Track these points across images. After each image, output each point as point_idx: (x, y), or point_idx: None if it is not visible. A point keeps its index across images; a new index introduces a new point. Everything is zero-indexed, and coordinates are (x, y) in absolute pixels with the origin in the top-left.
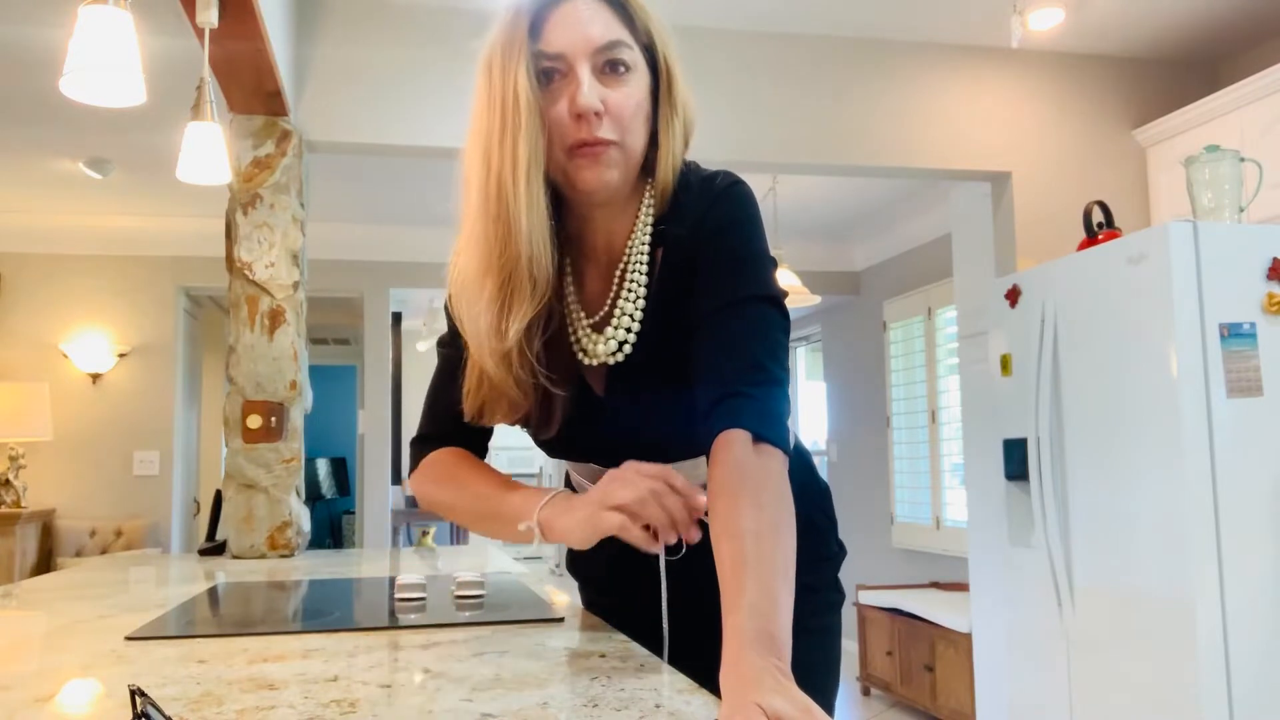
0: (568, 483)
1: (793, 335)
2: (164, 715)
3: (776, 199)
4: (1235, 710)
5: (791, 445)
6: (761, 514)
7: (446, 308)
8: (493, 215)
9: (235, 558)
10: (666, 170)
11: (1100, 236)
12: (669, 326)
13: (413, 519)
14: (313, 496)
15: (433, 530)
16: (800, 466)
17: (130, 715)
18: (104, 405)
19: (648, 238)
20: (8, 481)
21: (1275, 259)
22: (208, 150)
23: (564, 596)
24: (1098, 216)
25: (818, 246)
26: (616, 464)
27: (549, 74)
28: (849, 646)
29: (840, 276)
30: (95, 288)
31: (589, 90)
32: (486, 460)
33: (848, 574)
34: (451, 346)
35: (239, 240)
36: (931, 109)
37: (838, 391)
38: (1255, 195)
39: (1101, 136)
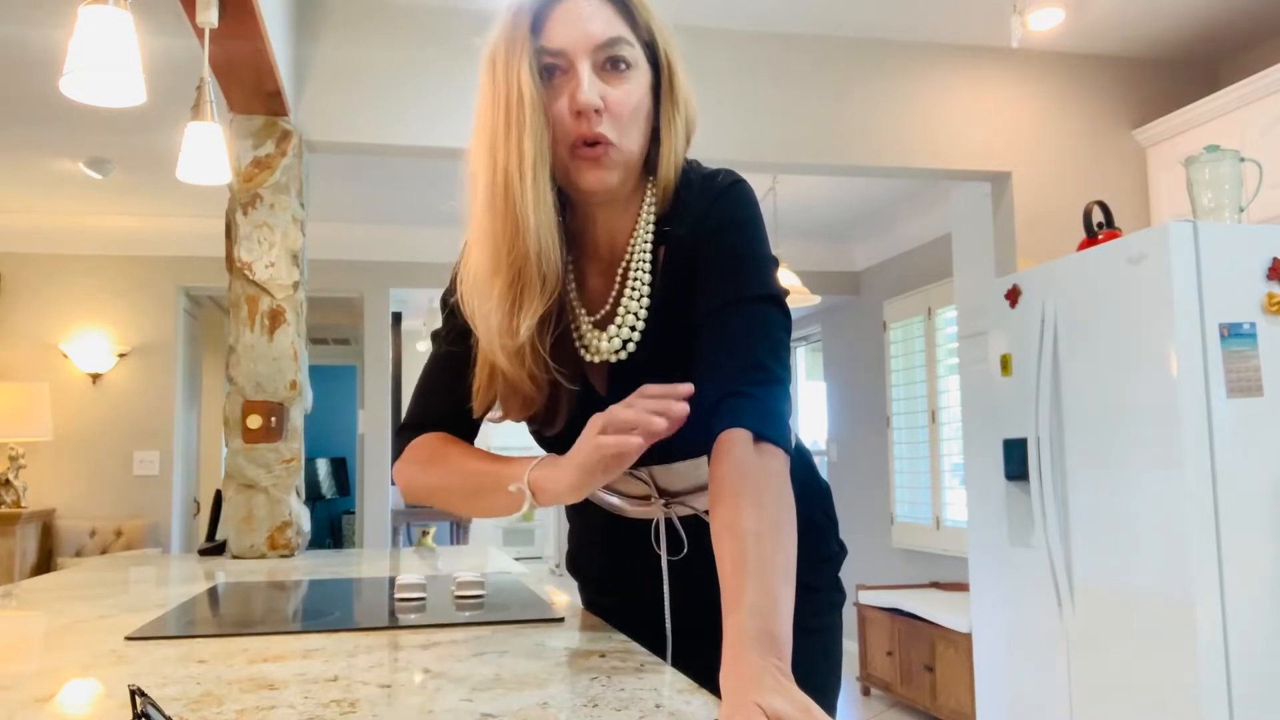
0: None
1: (793, 335)
2: (164, 715)
3: (776, 199)
4: (1235, 710)
5: (792, 445)
6: (762, 513)
7: (446, 304)
8: (500, 212)
9: (235, 558)
10: (668, 168)
11: (1100, 236)
12: (670, 325)
13: (413, 519)
14: (313, 496)
15: (433, 530)
16: (801, 466)
17: (130, 715)
18: (104, 405)
19: (650, 236)
20: (8, 481)
21: (1275, 259)
22: (208, 150)
23: (564, 596)
24: (1098, 216)
25: (818, 246)
26: None
27: (550, 70)
28: (849, 646)
29: (840, 276)
30: (95, 288)
31: (589, 87)
32: None
33: (848, 574)
34: (448, 342)
35: (239, 240)
36: (931, 109)
37: (838, 391)
38: (1255, 195)
39: (1101, 136)
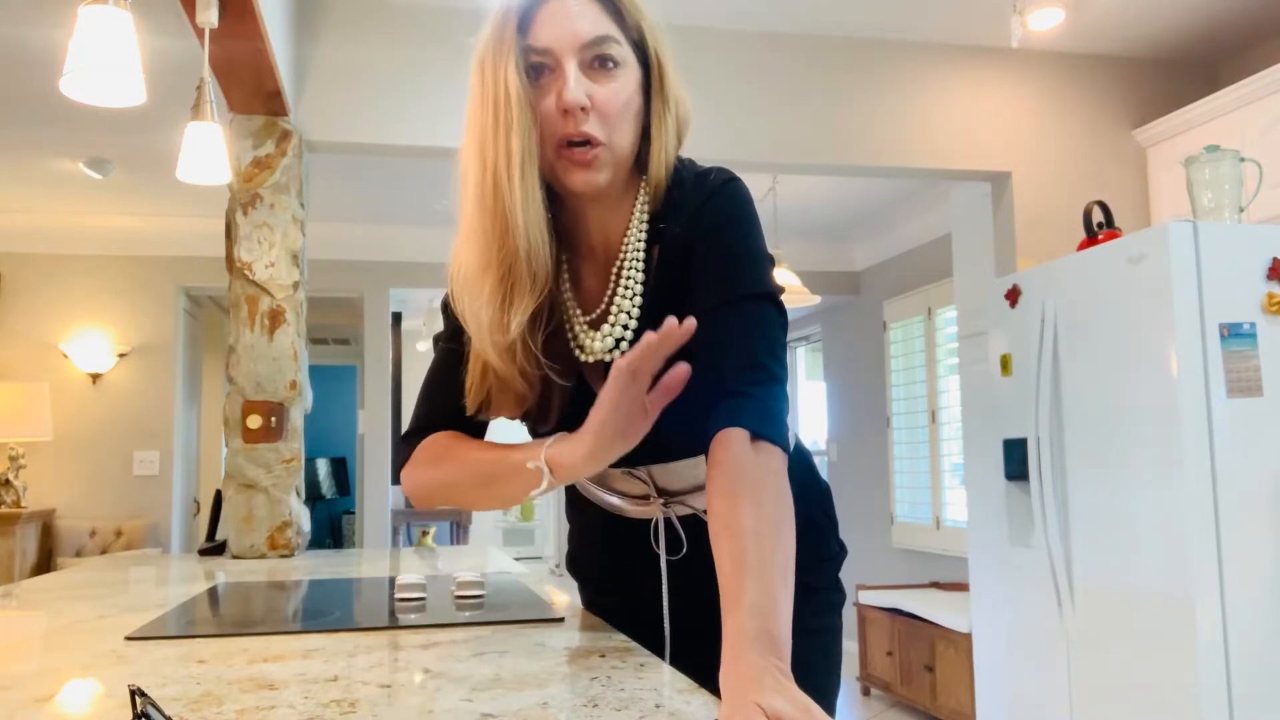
0: (570, 486)
1: (792, 335)
2: (164, 715)
3: (776, 199)
4: (1235, 710)
5: (792, 444)
6: (761, 513)
7: (445, 305)
8: (489, 210)
9: (235, 558)
10: (659, 166)
11: (1100, 236)
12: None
13: (413, 519)
14: (313, 496)
15: (433, 530)
16: (800, 466)
17: (130, 715)
18: (104, 405)
19: (643, 235)
20: (8, 481)
21: (1275, 259)
22: (208, 150)
23: (564, 596)
24: (1098, 216)
25: (818, 246)
26: (615, 463)
27: (539, 69)
28: (849, 646)
29: (840, 276)
30: (95, 288)
31: (574, 85)
32: None
33: (848, 574)
34: (450, 342)
35: (239, 240)
36: (931, 109)
37: (838, 391)
38: (1255, 195)
39: (1101, 136)
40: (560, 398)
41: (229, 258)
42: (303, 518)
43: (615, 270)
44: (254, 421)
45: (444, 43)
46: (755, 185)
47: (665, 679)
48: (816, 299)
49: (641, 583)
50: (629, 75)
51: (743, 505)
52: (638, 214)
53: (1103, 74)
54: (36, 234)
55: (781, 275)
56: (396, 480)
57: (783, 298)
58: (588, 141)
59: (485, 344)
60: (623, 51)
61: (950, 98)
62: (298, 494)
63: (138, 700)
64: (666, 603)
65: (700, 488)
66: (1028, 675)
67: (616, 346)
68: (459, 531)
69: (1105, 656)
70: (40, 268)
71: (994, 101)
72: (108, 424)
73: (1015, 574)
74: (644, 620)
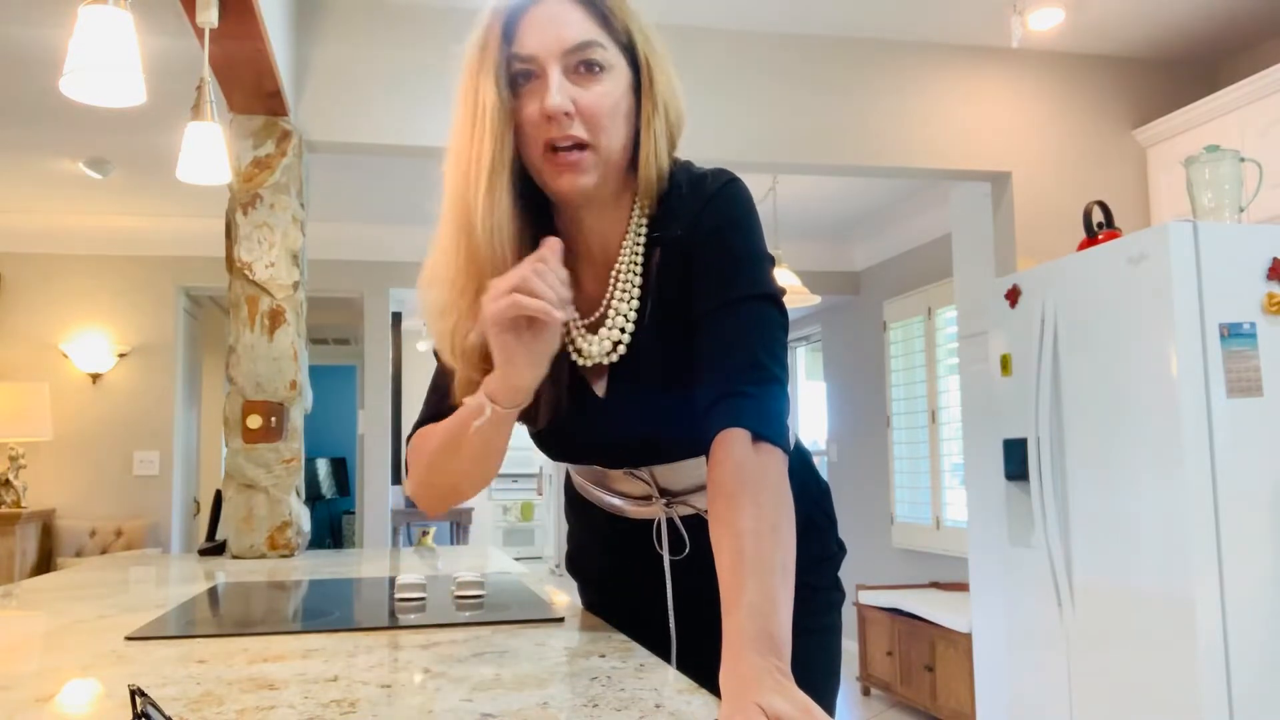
0: (568, 484)
1: (793, 335)
2: (164, 715)
3: (776, 199)
4: (1235, 710)
5: (791, 444)
6: (761, 513)
7: None
8: (456, 220)
9: (235, 558)
10: (650, 168)
11: (1100, 236)
12: (667, 326)
13: (413, 519)
14: (313, 496)
15: (433, 530)
16: (800, 465)
17: (130, 715)
18: (104, 405)
19: (641, 238)
20: (8, 481)
21: (1275, 259)
22: (208, 150)
23: (564, 596)
24: (1098, 216)
25: (818, 246)
26: (617, 464)
27: (525, 76)
28: (849, 646)
29: (840, 276)
30: (95, 288)
31: (557, 91)
32: None
33: (848, 574)
34: None
35: (239, 240)
36: (931, 109)
37: (838, 391)
38: (1255, 195)
39: (1101, 136)
40: (549, 401)
41: (229, 258)
42: (303, 518)
43: (613, 274)
44: (254, 421)
45: (444, 43)
46: (755, 185)
47: (665, 679)
48: (816, 299)
49: (643, 583)
50: (617, 78)
51: (742, 506)
52: (635, 217)
53: (1103, 74)
54: (36, 234)
55: (781, 275)
56: (396, 480)
57: (783, 298)
58: (575, 145)
59: (443, 346)
60: (608, 55)
61: (950, 98)
62: (298, 494)
63: (138, 700)
64: (670, 603)
65: (703, 487)
66: (1028, 675)
67: (613, 349)
68: (459, 531)
69: (1105, 656)
70: (40, 268)
71: (994, 101)
72: (108, 424)
73: (1015, 574)
74: (646, 621)
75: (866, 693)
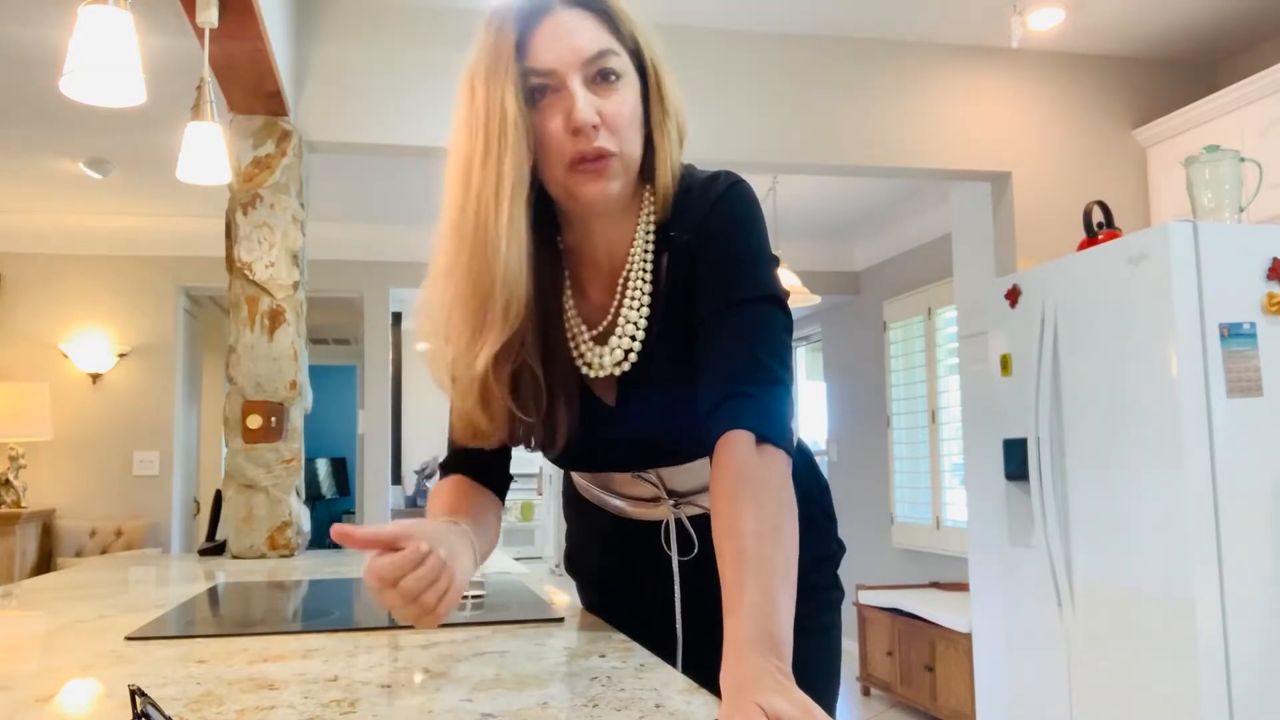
0: (567, 483)
1: (793, 335)
2: (164, 715)
3: (776, 199)
4: (1235, 710)
5: (794, 445)
6: (763, 514)
7: None
8: (470, 240)
9: (235, 558)
10: (665, 174)
11: (1100, 236)
12: (676, 331)
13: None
14: (313, 496)
15: None
16: (801, 464)
17: (130, 715)
18: (104, 405)
19: (650, 244)
20: (8, 481)
21: (1275, 259)
22: (208, 150)
23: (564, 596)
24: (1098, 216)
25: (818, 246)
26: (627, 468)
27: (540, 90)
28: (849, 646)
29: (840, 276)
30: (95, 288)
31: (584, 104)
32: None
33: (848, 574)
34: None
35: (239, 240)
36: (931, 109)
37: (838, 391)
38: (1255, 195)
39: (1101, 136)
40: (567, 424)
41: (229, 258)
42: (303, 518)
43: (621, 282)
44: (254, 421)
45: (444, 42)
46: (755, 185)
47: (665, 679)
48: (816, 299)
49: (644, 583)
50: (630, 85)
51: (744, 506)
52: (643, 224)
53: (1103, 74)
54: (36, 234)
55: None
56: (396, 480)
57: (787, 299)
58: (600, 155)
59: (442, 378)
60: (622, 62)
61: (950, 98)
62: (298, 494)
63: (138, 700)
64: (679, 603)
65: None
66: (1028, 675)
67: (625, 358)
68: None
69: (1105, 656)
70: (40, 268)
71: (994, 101)
72: (108, 424)
73: (1015, 574)
74: (648, 620)
75: (866, 693)
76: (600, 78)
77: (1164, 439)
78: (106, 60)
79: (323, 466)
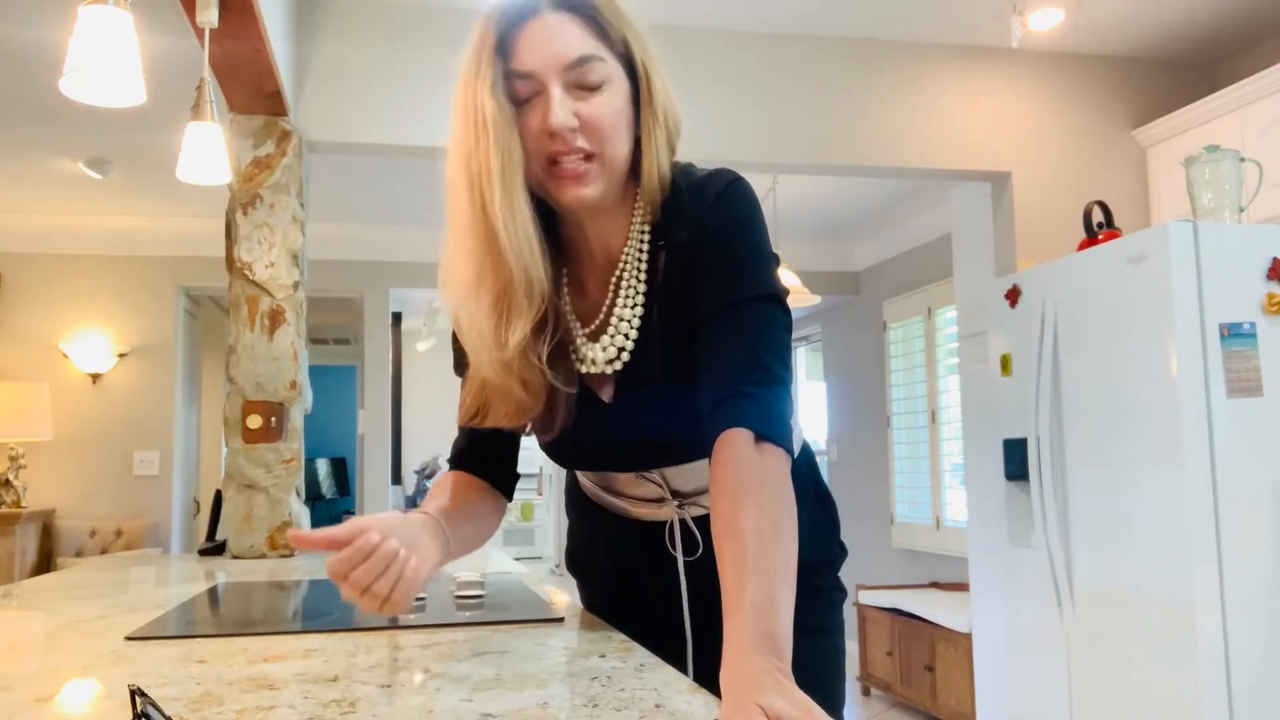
0: (571, 481)
1: (793, 335)
2: (164, 715)
3: (776, 199)
4: (1235, 710)
5: (798, 447)
6: (763, 514)
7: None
8: (479, 228)
9: (235, 558)
10: (651, 175)
11: (1100, 236)
12: (673, 330)
13: None
14: (313, 496)
15: None
16: (805, 466)
17: (130, 715)
18: (104, 405)
19: (644, 243)
20: (8, 481)
21: (1275, 259)
22: (208, 150)
23: (564, 596)
24: (1098, 216)
25: (818, 246)
26: (628, 468)
27: (525, 90)
28: (849, 646)
29: (840, 276)
30: (95, 288)
31: (559, 109)
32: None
33: (848, 574)
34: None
35: (239, 240)
36: (931, 109)
37: (838, 391)
38: (1255, 195)
39: (1101, 136)
40: (565, 408)
41: (229, 258)
42: (303, 518)
43: (615, 280)
44: (254, 421)
45: (444, 43)
46: (755, 185)
47: (665, 679)
48: (816, 299)
49: (647, 584)
50: (616, 89)
51: (744, 506)
52: (637, 223)
53: (1103, 74)
54: (36, 234)
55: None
56: (396, 480)
57: (787, 298)
58: (580, 156)
59: (482, 358)
60: (607, 68)
61: (950, 98)
62: (298, 494)
63: (138, 700)
64: (686, 604)
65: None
66: (1028, 675)
67: (617, 357)
68: None
69: (1105, 657)
70: (40, 268)
71: (994, 101)
72: (108, 424)
73: (1015, 574)
74: (652, 621)
75: (866, 693)
76: (583, 82)
77: (1164, 439)
78: (106, 60)
79: (323, 466)
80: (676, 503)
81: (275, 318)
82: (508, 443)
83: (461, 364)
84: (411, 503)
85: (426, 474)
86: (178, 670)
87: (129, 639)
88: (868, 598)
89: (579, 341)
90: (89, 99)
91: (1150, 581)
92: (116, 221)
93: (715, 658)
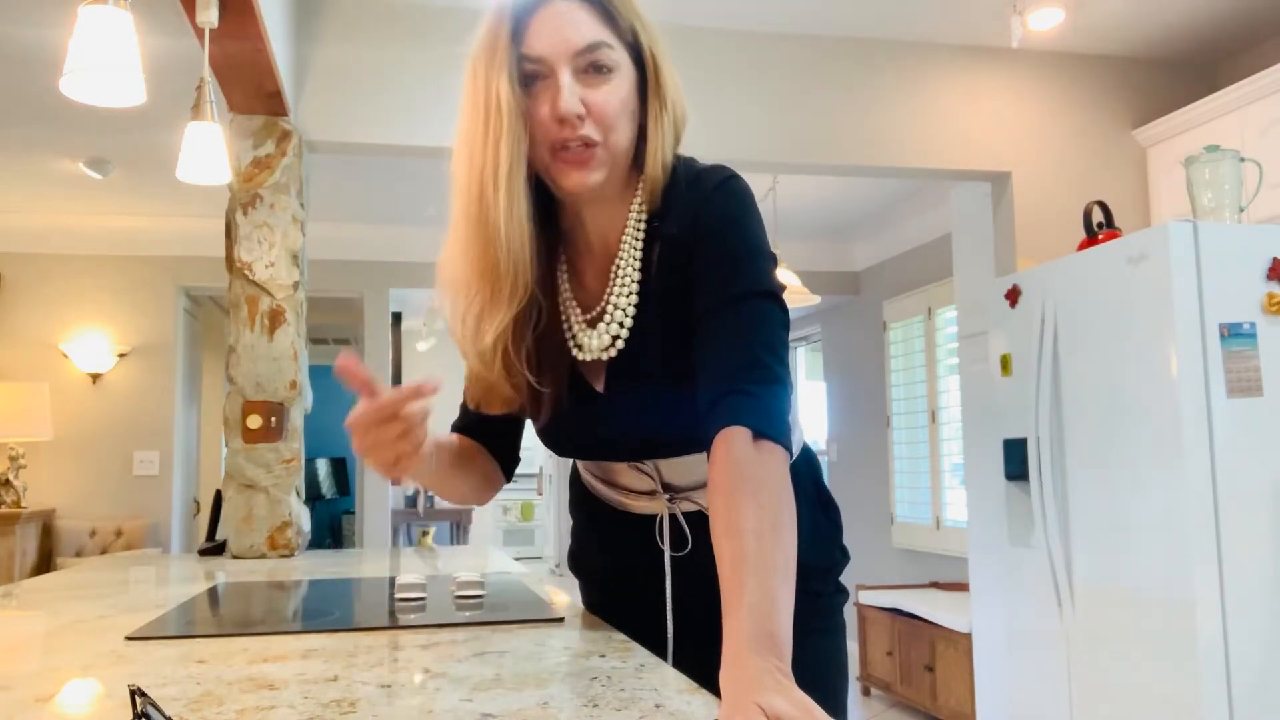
0: (574, 478)
1: (793, 335)
2: (164, 715)
3: (776, 199)
4: (1235, 710)
5: (799, 448)
6: (762, 513)
7: None
8: (474, 218)
9: (235, 558)
10: (655, 165)
11: (1100, 236)
12: (667, 322)
13: (413, 519)
14: (313, 496)
15: (432, 530)
16: (807, 471)
17: (130, 715)
18: (104, 405)
19: (640, 233)
20: (8, 481)
21: (1275, 259)
22: (208, 150)
23: (564, 596)
24: (1098, 216)
25: (818, 246)
26: (620, 458)
27: (533, 76)
28: (849, 646)
29: (840, 276)
30: (95, 288)
31: (569, 95)
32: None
33: (847, 574)
34: None
35: (239, 240)
36: (931, 109)
37: (838, 391)
38: (1255, 195)
39: (1101, 136)
40: (552, 398)
41: (229, 258)
42: (303, 518)
43: (613, 269)
44: (254, 421)
45: (444, 42)
46: (755, 185)
47: (665, 679)
48: (816, 299)
49: (645, 583)
50: (624, 77)
51: (743, 504)
52: (635, 213)
53: (1103, 74)
54: (36, 234)
55: (782, 275)
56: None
57: (784, 295)
58: (584, 143)
59: (465, 349)
60: (616, 55)
61: (950, 98)
62: (298, 494)
63: (138, 700)
64: (669, 597)
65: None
66: (1028, 675)
67: (612, 344)
68: (459, 531)
69: (1105, 656)
70: (40, 268)
71: (994, 101)
72: (108, 424)
73: (1015, 574)
74: (645, 619)
75: (866, 693)
76: (592, 69)
77: (1164, 439)
78: (106, 60)
79: (323, 466)
80: (667, 496)
81: (275, 318)
82: (511, 419)
83: None
84: (411, 503)
85: None
86: (178, 670)
87: (129, 639)
88: (868, 598)
89: (577, 329)
90: (89, 99)
91: (1150, 581)
92: (116, 221)
93: (704, 656)
